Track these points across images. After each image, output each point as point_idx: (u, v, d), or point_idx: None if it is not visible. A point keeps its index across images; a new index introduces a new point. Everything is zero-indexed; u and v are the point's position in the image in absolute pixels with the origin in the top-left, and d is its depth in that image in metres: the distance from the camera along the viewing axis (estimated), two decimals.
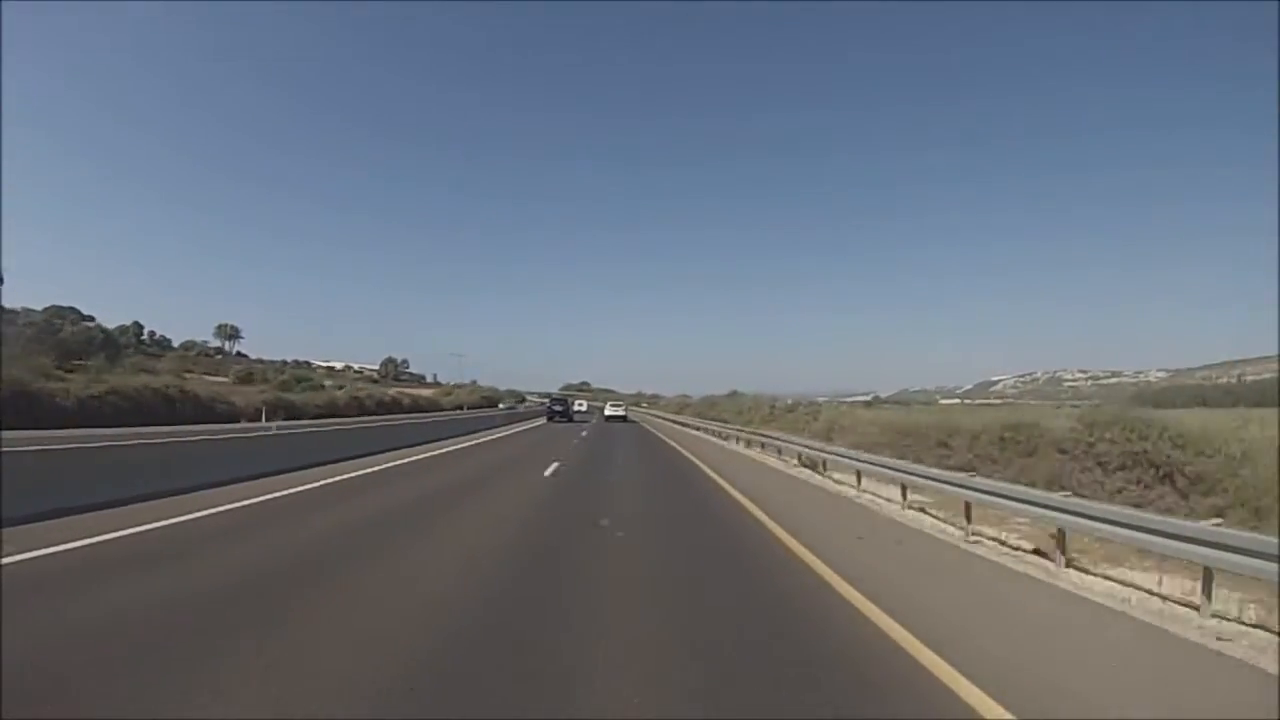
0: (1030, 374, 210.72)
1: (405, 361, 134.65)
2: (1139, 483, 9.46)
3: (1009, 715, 2.98)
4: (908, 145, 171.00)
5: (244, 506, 7.99)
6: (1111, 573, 5.94)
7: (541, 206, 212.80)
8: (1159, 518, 5.71)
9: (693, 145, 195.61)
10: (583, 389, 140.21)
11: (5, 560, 5.00)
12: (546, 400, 56.58)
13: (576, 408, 55.03)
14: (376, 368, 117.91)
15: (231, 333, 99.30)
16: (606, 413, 50.47)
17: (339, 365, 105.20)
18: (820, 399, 41.32)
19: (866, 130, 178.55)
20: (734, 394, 54.69)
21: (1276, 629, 4.32)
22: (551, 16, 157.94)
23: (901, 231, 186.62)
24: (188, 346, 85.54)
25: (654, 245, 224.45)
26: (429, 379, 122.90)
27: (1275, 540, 4.21)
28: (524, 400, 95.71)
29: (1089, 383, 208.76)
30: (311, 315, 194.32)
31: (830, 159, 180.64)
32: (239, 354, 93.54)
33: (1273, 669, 3.69)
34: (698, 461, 17.06)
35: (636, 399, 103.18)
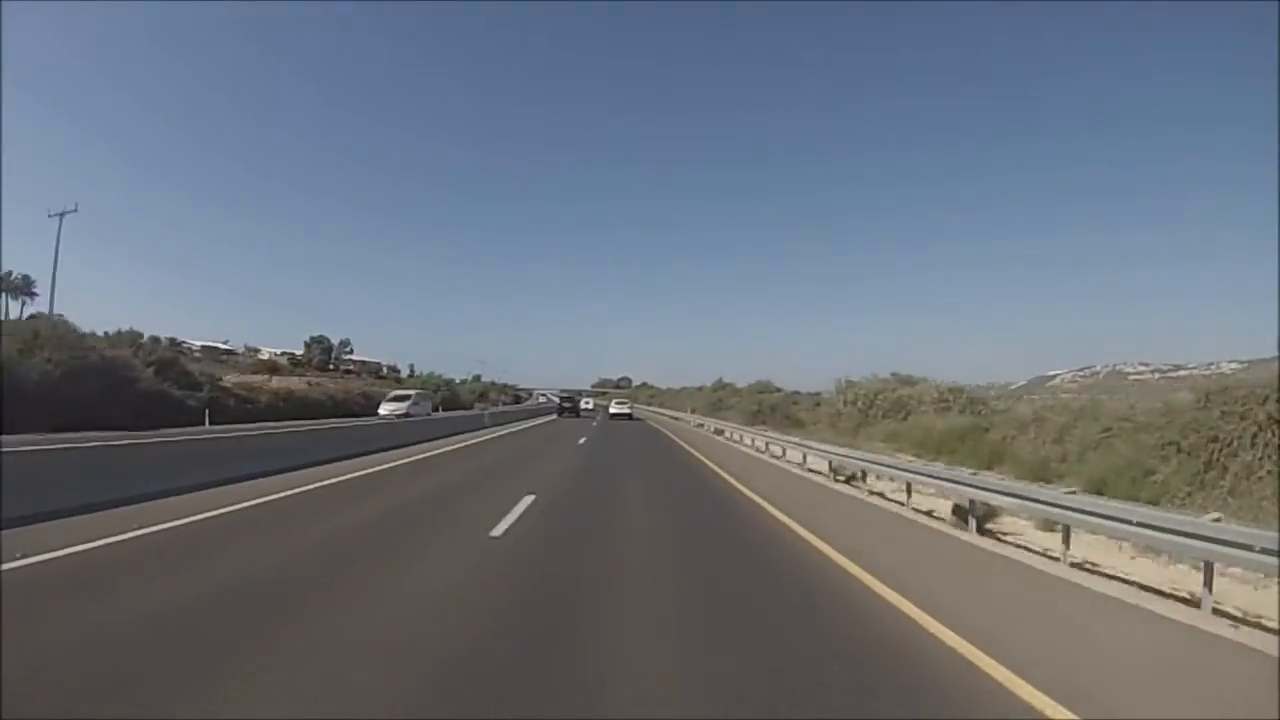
0: (1089, 368, 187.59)
1: (346, 344, 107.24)
2: None
3: None
4: (941, 140, 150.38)
5: None
6: None
7: (576, 205, 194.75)
8: None
9: (723, 144, 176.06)
10: (620, 385, 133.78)
11: None
12: (558, 398, 62.71)
13: (584, 405, 59.02)
14: (299, 351, 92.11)
15: (20, 286, 64.39)
16: (611, 410, 49.94)
17: (237, 347, 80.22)
18: None
19: (892, 127, 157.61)
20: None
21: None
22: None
23: (945, 226, 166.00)
24: None
25: (695, 245, 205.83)
26: (405, 372, 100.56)
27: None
28: (480, 401, 69.30)
29: (1155, 376, 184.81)
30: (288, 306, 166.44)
31: (865, 155, 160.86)
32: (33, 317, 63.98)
33: None
34: None
35: (709, 396, 62.64)
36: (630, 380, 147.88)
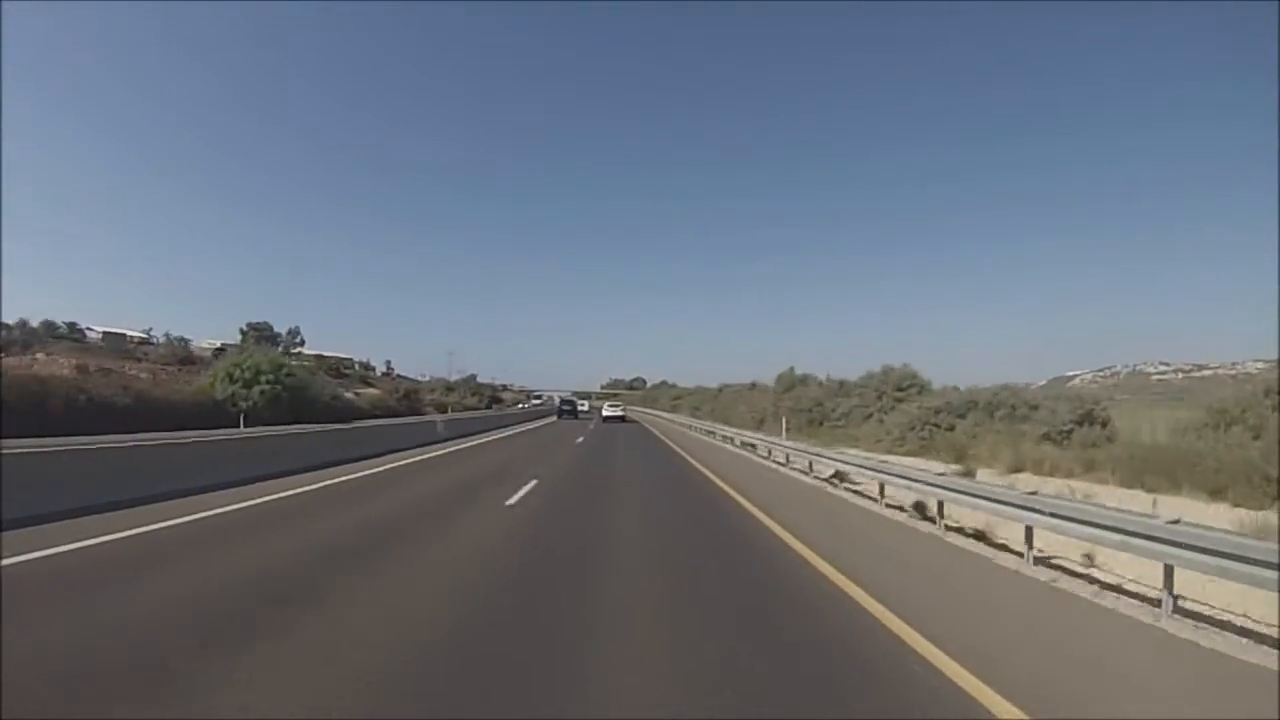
0: (1109, 368, 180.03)
1: (295, 333, 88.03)
2: None
3: None
4: (944, 140, 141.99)
5: None
6: None
7: (577, 206, 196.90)
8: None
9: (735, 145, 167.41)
10: (634, 387, 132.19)
11: None
12: (559, 400, 66.70)
13: (580, 407, 61.85)
14: (235, 342, 74.17)
15: None
16: (605, 413, 50.04)
17: (157, 336, 64.11)
18: None
19: (900, 125, 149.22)
20: None
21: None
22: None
23: (956, 226, 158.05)
24: None
25: (701, 244, 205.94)
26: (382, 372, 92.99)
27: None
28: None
29: (1178, 376, 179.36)
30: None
31: (869, 156, 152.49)
32: None
33: None
34: None
35: (775, 397, 42.17)
36: (644, 380, 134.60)
